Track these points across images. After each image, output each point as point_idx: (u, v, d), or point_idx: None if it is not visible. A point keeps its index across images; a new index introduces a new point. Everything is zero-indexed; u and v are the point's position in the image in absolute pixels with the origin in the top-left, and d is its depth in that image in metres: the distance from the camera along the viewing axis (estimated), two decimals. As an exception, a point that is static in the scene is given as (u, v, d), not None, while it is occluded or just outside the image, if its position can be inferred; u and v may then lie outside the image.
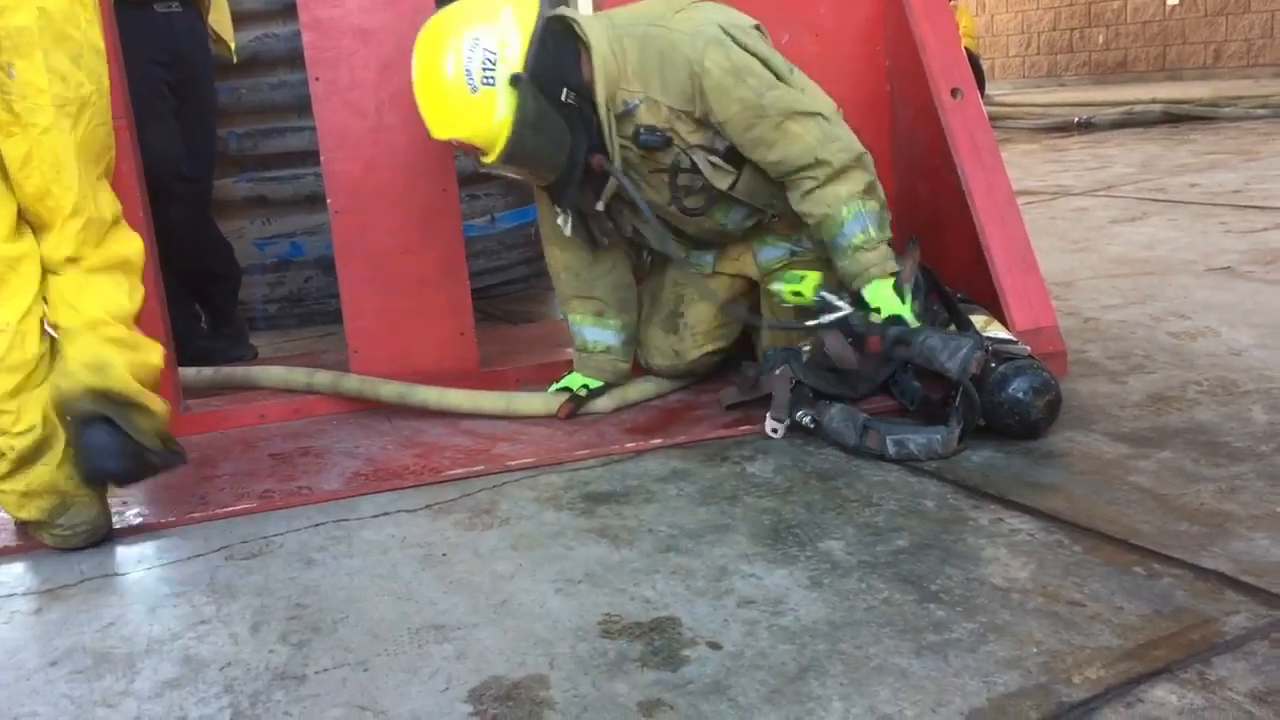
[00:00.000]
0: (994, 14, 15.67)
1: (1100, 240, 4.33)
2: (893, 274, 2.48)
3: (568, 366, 2.94)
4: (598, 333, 2.80)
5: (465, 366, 2.93)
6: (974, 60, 8.95)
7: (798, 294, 2.66)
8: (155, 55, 3.28)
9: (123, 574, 2.08)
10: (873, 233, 2.46)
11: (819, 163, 2.46)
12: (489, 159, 2.40)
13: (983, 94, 8.20)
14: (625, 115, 2.47)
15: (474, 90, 2.31)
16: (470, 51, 2.30)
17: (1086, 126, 8.74)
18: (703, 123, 2.48)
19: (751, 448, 2.44)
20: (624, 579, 1.87)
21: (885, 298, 2.45)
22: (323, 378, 2.91)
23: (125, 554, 2.17)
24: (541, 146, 2.40)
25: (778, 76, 2.46)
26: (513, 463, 2.45)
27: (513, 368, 3.04)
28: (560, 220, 2.61)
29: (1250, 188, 5.18)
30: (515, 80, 2.32)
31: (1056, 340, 2.70)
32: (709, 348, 2.82)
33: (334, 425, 2.84)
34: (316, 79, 2.77)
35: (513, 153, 2.38)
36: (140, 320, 2.24)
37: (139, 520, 2.31)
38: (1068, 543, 1.87)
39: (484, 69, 2.30)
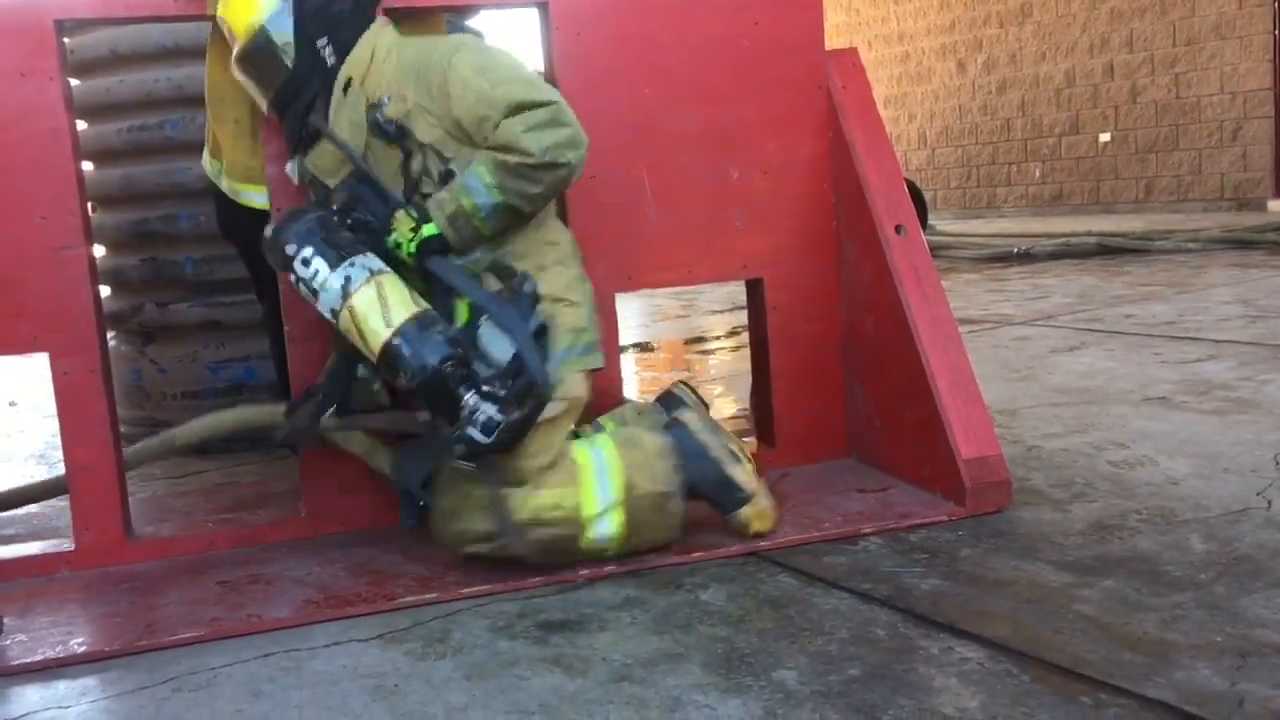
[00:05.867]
0: (935, 148, 16.24)
1: (1041, 369, 4.45)
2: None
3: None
4: None
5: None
6: (917, 192, 9.22)
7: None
8: None
9: (66, 707, 2.03)
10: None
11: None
12: (234, 52, 2.56)
13: (926, 224, 8.46)
14: (374, 107, 2.53)
15: None
16: None
17: (1026, 257, 9.00)
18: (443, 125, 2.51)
19: (704, 575, 2.45)
20: (578, 710, 1.86)
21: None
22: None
23: (69, 687, 2.12)
24: (268, 65, 2.54)
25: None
26: (466, 590, 2.44)
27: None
28: (289, 166, 2.68)
29: (1183, 319, 5.36)
30: None
31: (1001, 469, 2.76)
32: None
33: (284, 553, 2.81)
34: (278, 210, 2.82)
35: (245, 54, 2.54)
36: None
37: (83, 649, 2.27)
38: (1016, 672, 1.89)
39: None
